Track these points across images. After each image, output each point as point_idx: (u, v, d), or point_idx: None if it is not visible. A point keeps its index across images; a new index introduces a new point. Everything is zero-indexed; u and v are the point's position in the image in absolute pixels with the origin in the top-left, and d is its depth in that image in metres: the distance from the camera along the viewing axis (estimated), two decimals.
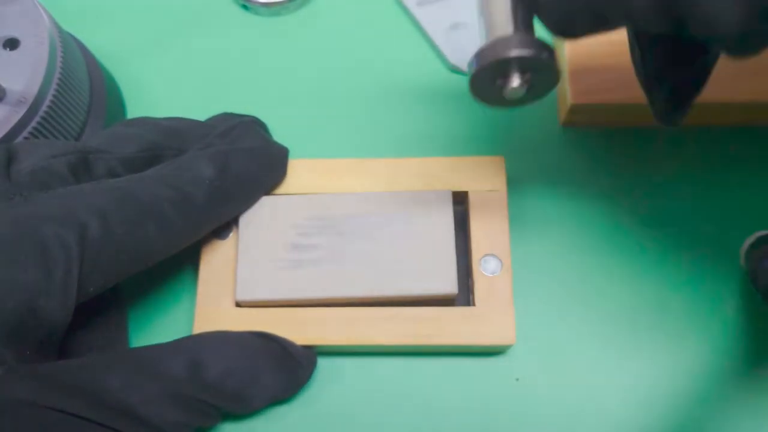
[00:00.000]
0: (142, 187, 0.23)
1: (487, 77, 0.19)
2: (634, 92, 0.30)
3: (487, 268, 0.26)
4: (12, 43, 0.26)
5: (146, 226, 0.22)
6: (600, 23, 0.18)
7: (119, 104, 0.32)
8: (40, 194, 0.21)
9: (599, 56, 0.30)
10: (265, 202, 0.27)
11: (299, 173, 0.28)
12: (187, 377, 0.22)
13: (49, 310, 0.20)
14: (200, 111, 0.29)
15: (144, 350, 0.22)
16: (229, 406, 0.23)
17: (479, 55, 0.19)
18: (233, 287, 0.26)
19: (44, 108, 0.25)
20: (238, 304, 0.26)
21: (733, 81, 0.29)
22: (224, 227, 0.27)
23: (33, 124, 0.25)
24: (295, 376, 0.25)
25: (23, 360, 0.20)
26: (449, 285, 0.25)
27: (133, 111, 0.32)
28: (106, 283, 0.22)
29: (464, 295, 0.27)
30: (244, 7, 0.35)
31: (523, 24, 0.19)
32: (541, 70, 0.19)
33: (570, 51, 0.30)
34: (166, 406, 0.21)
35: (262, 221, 0.26)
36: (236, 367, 0.23)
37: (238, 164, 0.25)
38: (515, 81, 0.19)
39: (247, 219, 0.26)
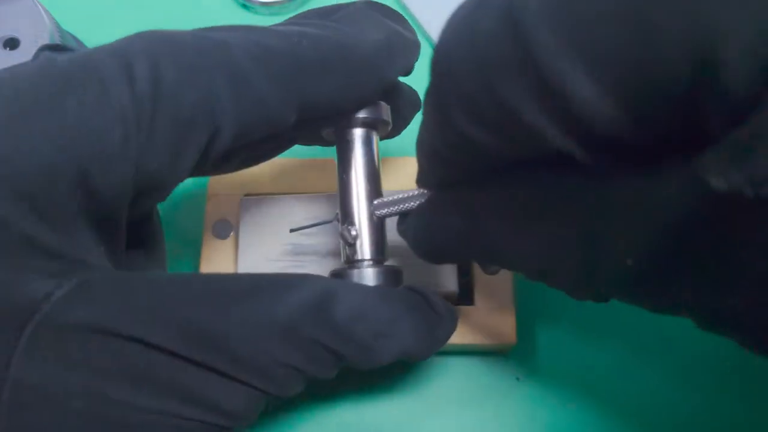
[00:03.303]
0: (209, 33, 0.18)
1: None
2: None
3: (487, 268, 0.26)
4: (12, 43, 0.26)
5: (212, 76, 0.17)
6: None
7: None
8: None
9: None
10: (265, 202, 0.27)
11: (299, 173, 0.28)
12: (313, 310, 0.18)
13: (111, 175, 0.16)
14: None
15: (256, 276, 0.19)
16: (351, 356, 0.19)
17: None
18: None
19: None
20: None
21: None
22: (224, 227, 0.26)
23: None
24: (434, 332, 0.20)
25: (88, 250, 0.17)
26: (449, 284, 0.25)
27: None
28: (171, 160, 0.17)
29: (464, 295, 0.27)
30: (244, 6, 0.35)
31: None
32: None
33: None
34: (282, 346, 0.17)
35: (262, 221, 0.26)
36: (371, 309, 0.19)
37: (339, 33, 0.20)
38: None
39: (247, 219, 0.26)
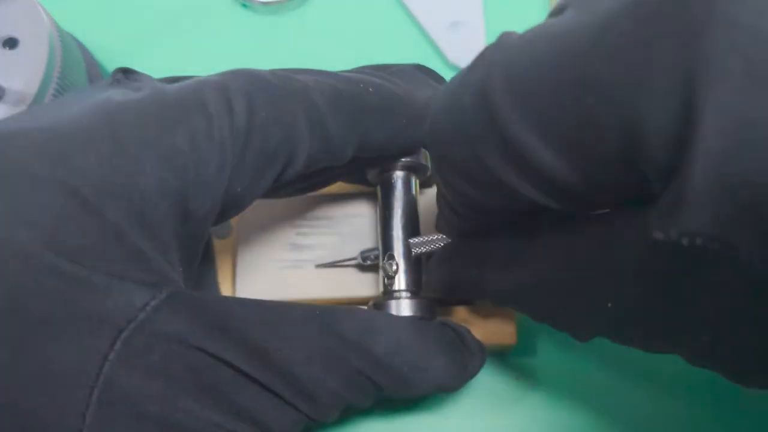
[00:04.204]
0: (292, 74, 0.21)
1: None
2: None
3: None
4: (11, 43, 0.26)
5: (295, 115, 0.20)
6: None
7: None
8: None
9: None
10: (264, 202, 0.27)
11: None
12: (358, 342, 0.20)
13: (204, 198, 0.18)
14: None
15: (308, 306, 0.21)
16: (389, 386, 0.20)
17: None
18: (233, 287, 0.26)
19: None
20: None
21: None
22: (223, 226, 0.26)
23: None
24: (465, 367, 0.22)
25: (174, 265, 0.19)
26: None
27: None
28: (253, 185, 0.20)
29: None
30: (244, 5, 0.35)
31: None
32: None
33: None
34: (329, 372, 0.19)
35: (262, 221, 0.26)
36: (407, 344, 0.20)
37: (397, 86, 0.23)
38: None
39: (246, 219, 0.26)
